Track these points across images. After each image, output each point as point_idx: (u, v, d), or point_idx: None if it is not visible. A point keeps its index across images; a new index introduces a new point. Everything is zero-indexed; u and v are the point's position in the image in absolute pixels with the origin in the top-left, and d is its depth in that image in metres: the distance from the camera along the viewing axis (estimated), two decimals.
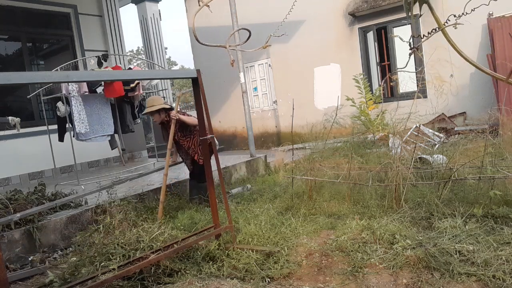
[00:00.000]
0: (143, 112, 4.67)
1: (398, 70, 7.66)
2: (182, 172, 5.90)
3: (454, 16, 1.54)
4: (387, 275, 2.60)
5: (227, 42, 2.13)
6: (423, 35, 1.65)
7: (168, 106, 4.55)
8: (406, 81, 8.01)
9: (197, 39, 2.02)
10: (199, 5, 2.01)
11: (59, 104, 5.82)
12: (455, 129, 7.38)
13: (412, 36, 1.73)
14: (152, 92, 8.28)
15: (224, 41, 2.23)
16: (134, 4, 12.29)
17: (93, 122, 5.91)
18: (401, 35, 2.01)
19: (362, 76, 8.27)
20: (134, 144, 8.63)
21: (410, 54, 1.70)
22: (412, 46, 1.65)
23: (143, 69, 12.46)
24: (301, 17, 9.46)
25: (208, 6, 2.03)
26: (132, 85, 6.30)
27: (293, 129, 5.22)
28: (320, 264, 2.88)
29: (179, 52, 48.86)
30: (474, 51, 7.60)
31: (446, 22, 1.48)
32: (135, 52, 27.22)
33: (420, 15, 1.56)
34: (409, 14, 1.48)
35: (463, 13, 1.49)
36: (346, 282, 2.60)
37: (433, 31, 1.55)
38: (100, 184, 4.78)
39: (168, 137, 4.61)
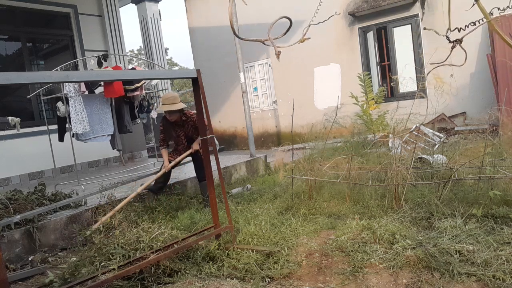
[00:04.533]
0: (161, 108, 4.56)
1: (441, 64, 7.57)
2: (182, 172, 5.91)
3: (498, 9, 1.52)
4: (387, 275, 2.60)
5: (268, 33, 2.01)
6: (460, 28, 1.61)
7: (185, 106, 4.62)
8: (407, 81, 8.01)
9: (235, 33, 1.96)
10: None
11: (59, 104, 5.82)
12: (455, 129, 7.38)
13: (449, 29, 1.68)
14: (152, 92, 8.27)
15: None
16: (134, 4, 12.28)
17: (93, 122, 5.91)
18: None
19: (366, 75, 8.25)
20: (134, 144, 8.63)
21: (452, 48, 1.65)
22: (452, 40, 1.60)
23: (143, 69, 12.45)
24: (301, 17, 9.44)
25: None
26: (137, 85, 6.30)
27: (293, 129, 5.21)
28: (320, 264, 2.88)
29: (180, 54, 48.84)
30: (474, 51, 7.60)
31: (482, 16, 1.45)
32: (135, 52, 27.21)
33: (473, 4, 1.50)
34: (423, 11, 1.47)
35: (508, 6, 1.46)
36: (346, 282, 2.60)
37: (473, 24, 1.52)
38: (102, 185, 4.78)
39: (176, 136, 4.71)
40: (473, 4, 1.47)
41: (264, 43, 2.04)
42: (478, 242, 2.75)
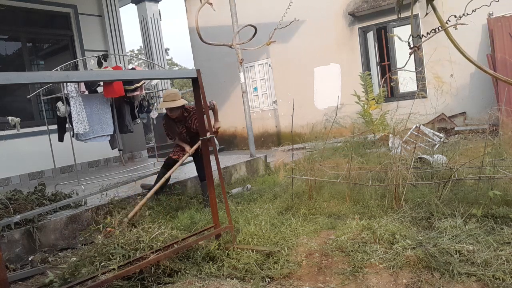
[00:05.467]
0: (162, 105, 4.52)
1: (397, 69, 7.65)
2: (182, 172, 5.91)
3: (455, 16, 1.54)
4: (387, 275, 2.60)
5: (233, 40, 2.11)
6: (422, 35, 1.65)
7: (186, 103, 4.59)
8: (407, 81, 8.01)
9: (200, 38, 2.02)
10: (201, 2, 2.00)
11: (59, 104, 5.82)
12: (455, 129, 7.38)
13: (411, 36, 1.73)
14: (152, 92, 8.27)
15: (225, 40, 2.23)
16: (134, 4, 12.28)
17: (93, 122, 5.91)
18: (402, 35, 2.01)
19: (366, 75, 8.26)
20: (134, 144, 8.63)
21: (410, 54, 1.69)
22: (412, 46, 1.64)
23: (144, 69, 12.44)
24: (301, 17, 9.44)
25: (211, 4, 2.02)
26: (136, 85, 6.30)
27: (293, 129, 5.21)
28: (320, 264, 2.88)
29: (180, 54, 48.75)
30: (474, 51, 7.60)
31: (447, 22, 1.48)
32: (136, 52, 27.20)
33: (427, 13, 1.55)
34: (399, 15, 1.49)
35: (463, 14, 1.49)
36: (346, 282, 2.60)
37: (434, 31, 1.55)
38: (102, 185, 4.78)
39: (178, 133, 4.70)
40: (426, 14, 1.51)
41: (231, 47, 2.13)
42: (478, 242, 2.75)
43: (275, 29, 2.33)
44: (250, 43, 2.34)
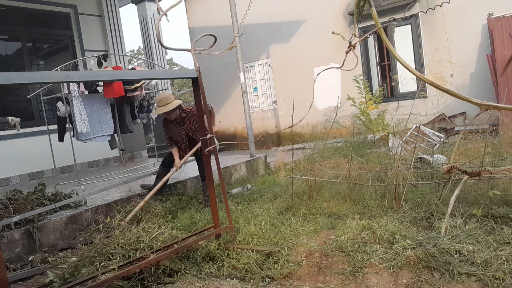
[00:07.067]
0: (158, 111, 4.51)
1: (326, 67, 7.65)
2: (182, 172, 5.91)
3: (394, 19, 1.56)
4: (387, 275, 2.60)
5: (192, 47, 2.36)
6: (369, 34, 1.69)
7: (181, 102, 4.56)
8: (407, 81, 8.02)
9: (160, 43, 2.13)
10: (159, 14, 2.19)
11: (59, 104, 5.82)
12: (455, 129, 7.38)
13: (353, 35, 1.77)
14: (152, 92, 8.26)
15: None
16: (134, 4, 12.28)
17: (93, 122, 5.90)
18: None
19: (362, 77, 8.29)
20: (134, 144, 8.63)
21: (346, 53, 1.77)
22: (350, 45, 1.70)
23: (143, 69, 12.43)
24: (301, 17, 9.47)
25: (166, 15, 2.19)
26: (136, 85, 6.29)
27: (293, 129, 5.21)
28: (320, 264, 2.88)
29: (181, 54, 48.76)
30: (474, 51, 7.60)
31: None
32: (135, 52, 27.19)
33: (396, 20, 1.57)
34: (356, 22, 1.52)
35: (403, 17, 1.50)
36: (346, 282, 2.60)
37: (374, 32, 1.58)
38: (103, 185, 4.78)
39: (176, 134, 4.66)
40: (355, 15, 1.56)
41: (191, 53, 2.36)
42: (478, 242, 2.75)
43: (235, 37, 2.49)
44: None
